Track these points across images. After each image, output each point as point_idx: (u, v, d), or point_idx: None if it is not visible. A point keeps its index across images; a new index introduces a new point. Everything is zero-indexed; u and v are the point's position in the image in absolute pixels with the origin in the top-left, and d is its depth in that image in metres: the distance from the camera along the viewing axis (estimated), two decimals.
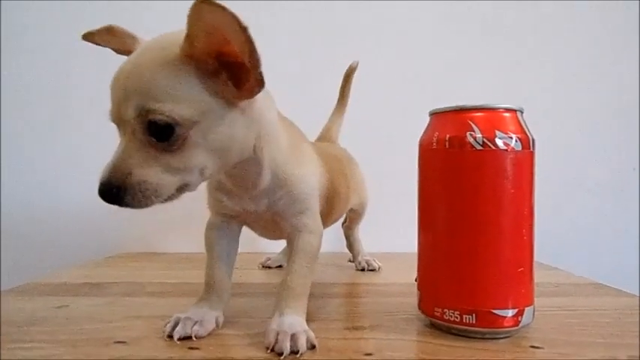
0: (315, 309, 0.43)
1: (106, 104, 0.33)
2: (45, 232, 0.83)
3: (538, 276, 0.38)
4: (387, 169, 0.75)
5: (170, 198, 0.33)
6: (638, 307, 0.45)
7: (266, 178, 0.38)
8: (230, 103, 0.33)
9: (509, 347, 0.35)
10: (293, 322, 0.36)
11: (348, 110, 0.67)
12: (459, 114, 0.36)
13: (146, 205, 0.32)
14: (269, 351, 0.33)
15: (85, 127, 0.81)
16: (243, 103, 0.34)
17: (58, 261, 0.78)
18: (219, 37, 0.29)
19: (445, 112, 0.37)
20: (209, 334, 0.37)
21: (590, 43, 0.85)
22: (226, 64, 0.31)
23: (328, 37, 0.83)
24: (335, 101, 0.67)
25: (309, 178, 0.41)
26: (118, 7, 0.81)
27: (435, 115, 0.39)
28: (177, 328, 0.36)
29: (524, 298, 0.36)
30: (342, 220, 0.66)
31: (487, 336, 0.36)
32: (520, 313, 0.35)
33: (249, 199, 0.40)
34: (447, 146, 0.36)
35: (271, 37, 0.81)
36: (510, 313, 0.35)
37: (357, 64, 0.63)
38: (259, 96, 0.34)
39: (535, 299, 0.38)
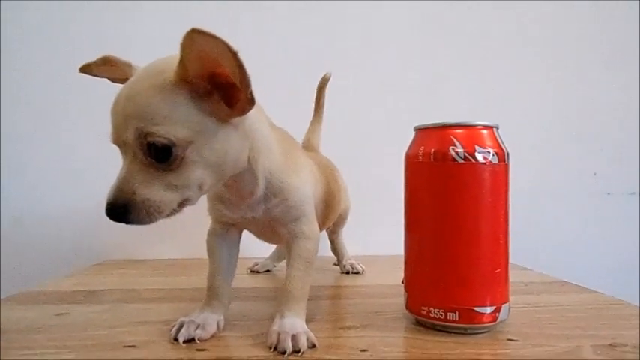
0: (308, 310, 0.45)
1: (95, 112, 0.35)
2: (24, 241, 0.83)
3: (511, 275, 0.42)
4: (370, 177, 0.79)
5: (172, 213, 0.35)
6: (600, 302, 0.50)
7: (261, 187, 0.40)
8: (223, 120, 0.35)
9: (489, 340, 0.38)
10: (294, 323, 0.38)
11: (335, 121, 0.70)
12: (442, 130, 0.40)
13: (150, 222, 0.34)
14: (272, 350, 0.36)
15: (58, 138, 0.82)
16: (236, 120, 0.36)
17: (38, 270, 0.78)
18: (212, 61, 0.31)
19: (429, 128, 0.41)
20: (212, 337, 0.39)
21: (560, 64, 0.91)
22: (218, 85, 0.33)
23: (314, 50, 0.86)
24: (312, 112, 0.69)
25: (303, 187, 0.43)
26: (118, 7, 0.83)
27: (420, 130, 0.42)
28: (182, 331, 0.38)
29: (501, 296, 0.40)
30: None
31: (469, 331, 0.39)
32: (497, 310, 0.39)
33: (247, 207, 0.42)
34: (432, 159, 0.40)
35: (258, 47, 0.84)
36: (489, 309, 0.39)
37: (330, 76, 0.65)
38: (251, 112, 0.36)
39: (510, 297, 0.42)
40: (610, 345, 0.37)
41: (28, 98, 0.83)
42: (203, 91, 0.33)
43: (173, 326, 0.39)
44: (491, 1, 0.89)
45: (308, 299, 0.42)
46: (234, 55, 0.30)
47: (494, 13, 0.89)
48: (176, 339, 0.38)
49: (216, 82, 0.33)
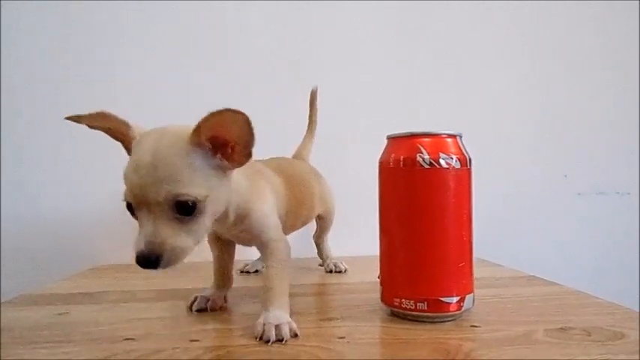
0: (293, 305, 0.49)
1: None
2: (17, 246, 0.85)
3: (483, 271, 0.46)
4: (351, 186, 0.83)
5: (190, 253, 0.40)
6: (558, 293, 0.55)
7: (232, 216, 0.46)
8: (223, 174, 0.41)
9: (454, 327, 0.43)
10: (278, 315, 0.42)
11: (320, 130, 0.76)
12: (411, 139, 0.44)
13: (176, 264, 0.39)
14: (258, 340, 0.40)
15: (53, 146, 0.85)
16: (229, 173, 0.42)
17: (32, 274, 0.81)
18: (220, 127, 0.38)
19: (399, 137, 0.46)
20: (205, 330, 0.43)
21: (529, 69, 0.96)
22: (216, 144, 0.40)
23: (292, 63, 0.90)
24: (304, 124, 0.76)
25: (263, 207, 0.49)
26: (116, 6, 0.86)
27: (391, 139, 0.47)
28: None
29: (465, 288, 0.44)
30: (313, 232, 0.75)
31: (436, 320, 0.44)
32: (462, 300, 0.44)
33: (225, 229, 0.49)
34: (402, 165, 0.44)
35: (236, 64, 0.88)
36: (455, 300, 0.43)
37: (317, 89, 0.73)
38: None
39: (478, 290, 0.46)
40: (561, 329, 0.41)
41: (23, 101, 0.85)
42: (209, 150, 0.40)
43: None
44: (462, 12, 0.94)
45: (294, 296, 0.46)
46: (249, 125, 0.37)
47: (464, 24, 0.94)
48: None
49: (215, 143, 0.39)
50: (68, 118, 0.42)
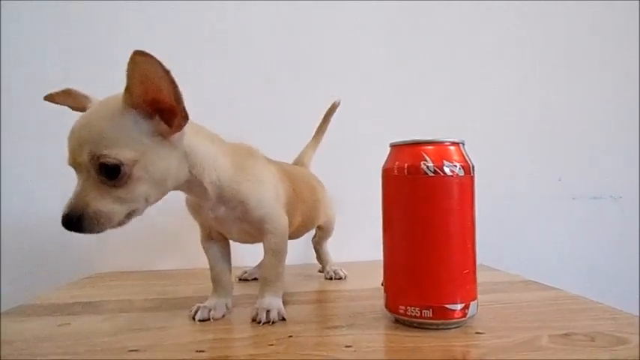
0: (296, 313, 0.50)
1: None
2: (12, 252, 0.84)
3: (480, 276, 0.47)
4: (352, 192, 0.84)
5: (120, 223, 0.40)
6: (559, 298, 0.55)
7: (212, 193, 0.46)
8: (164, 139, 0.40)
9: (459, 334, 0.43)
10: (270, 301, 0.49)
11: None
12: (415, 147, 0.45)
13: (100, 230, 0.39)
14: (252, 321, 0.47)
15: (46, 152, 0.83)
16: (175, 140, 0.41)
17: (26, 282, 0.80)
18: (152, 86, 0.37)
19: (403, 144, 0.46)
20: (210, 340, 0.43)
21: (518, 78, 0.98)
22: (159, 109, 0.39)
23: (292, 64, 0.90)
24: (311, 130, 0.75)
25: (260, 190, 0.49)
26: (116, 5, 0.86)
27: (394, 146, 0.47)
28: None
29: (469, 294, 0.45)
30: (312, 236, 0.74)
31: (441, 327, 0.44)
32: (467, 307, 0.44)
33: (208, 209, 0.49)
34: (406, 173, 0.44)
35: (236, 64, 0.88)
36: (459, 307, 0.44)
37: (339, 103, 0.72)
38: (189, 135, 0.43)
39: (479, 295, 0.46)
40: (564, 335, 0.42)
41: (23, 101, 0.84)
42: (146, 114, 0.39)
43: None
44: (462, 13, 0.95)
45: (295, 303, 0.48)
46: (166, 72, 0.36)
47: (464, 25, 0.95)
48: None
49: (157, 107, 0.39)
50: (45, 99, 0.46)
